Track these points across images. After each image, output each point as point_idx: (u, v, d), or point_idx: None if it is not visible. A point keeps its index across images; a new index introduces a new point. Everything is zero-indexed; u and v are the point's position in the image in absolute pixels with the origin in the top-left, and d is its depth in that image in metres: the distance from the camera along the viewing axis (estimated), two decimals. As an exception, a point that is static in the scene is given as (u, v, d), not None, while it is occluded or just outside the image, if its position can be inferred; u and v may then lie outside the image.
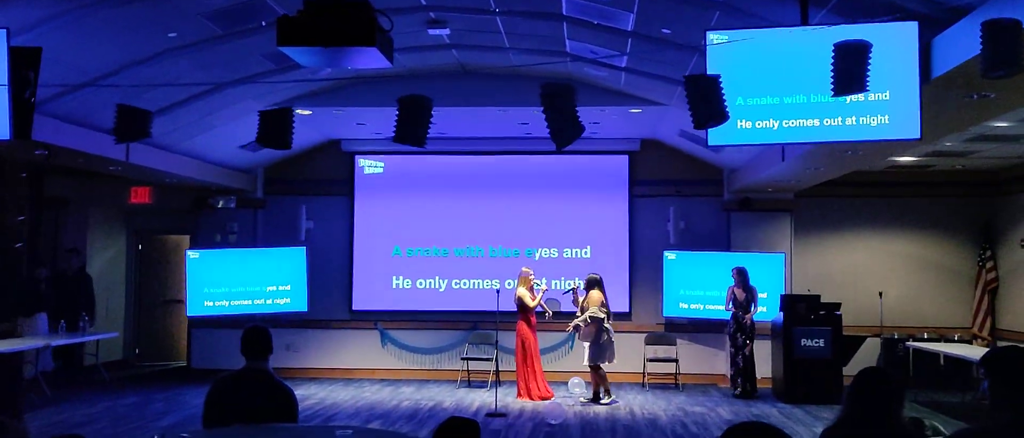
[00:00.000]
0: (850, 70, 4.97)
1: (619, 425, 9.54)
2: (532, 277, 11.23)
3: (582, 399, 11.03)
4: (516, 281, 11.29)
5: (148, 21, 7.39)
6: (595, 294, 10.84)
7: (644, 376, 12.26)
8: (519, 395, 11.05)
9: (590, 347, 10.84)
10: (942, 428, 6.21)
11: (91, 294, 12.44)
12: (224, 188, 12.69)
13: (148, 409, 10.37)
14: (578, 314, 11.01)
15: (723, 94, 5.43)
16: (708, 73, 5.65)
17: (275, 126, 6.60)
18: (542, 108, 6.07)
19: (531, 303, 11.02)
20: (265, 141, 6.65)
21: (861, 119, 5.74)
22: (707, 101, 5.39)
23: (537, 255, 12.91)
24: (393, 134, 6.34)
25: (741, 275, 11.33)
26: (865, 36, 5.19)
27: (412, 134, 6.19)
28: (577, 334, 11.10)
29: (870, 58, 4.98)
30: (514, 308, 11.25)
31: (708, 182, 12.79)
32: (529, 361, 11.03)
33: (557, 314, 11.56)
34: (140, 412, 10.17)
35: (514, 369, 11.35)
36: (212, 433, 4.60)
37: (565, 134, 5.92)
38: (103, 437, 4.83)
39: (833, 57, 5.10)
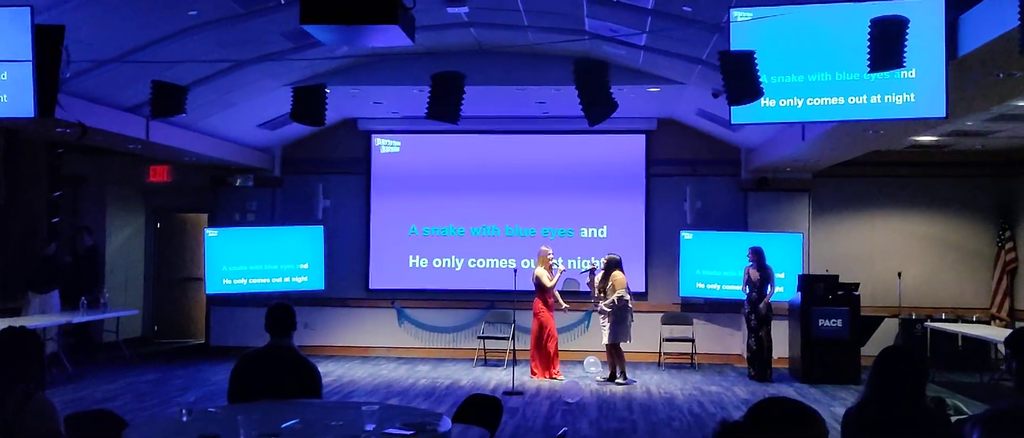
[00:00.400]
0: (887, 46, 4.93)
1: (635, 403, 9.56)
2: (551, 256, 11.21)
3: (598, 378, 11.06)
4: (535, 260, 11.29)
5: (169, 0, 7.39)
6: (619, 275, 10.82)
7: (660, 356, 12.28)
8: (532, 374, 11.08)
9: (612, 326, 10.81)
10: (964, 407, 6.22)
11: (99, 272, 12.50)
12: (242, 167, 12.73)
13: (169, 385, 10.47)
14: (595, 294, 10.99)
15: (758, 70, 5.40)
16: (739, 49, 5.61)
17: (308, 102, 6.62)
18: (575, 84, 6.05)
19: (548, 283, 11.03)
20: (299, 117, 6.67)
21: (886, 97, 5.70)
22: (742, 77, 5.36)
23: (553, 235, 12.91)
24: (426, 111, 6.33)
25: (757, 255, 11.19)
26: (892, 13, 5.14)
27: (445, 111, 6.20)
28: (602, 317, 10.98)
29: (908, 33, 4.93)
30: (531, 287, 11.25)
31: (725, 162, 12.74)
32: (545, 341, 11.04)
33: (575, 293, 11.58)
34: (161, 388, 10.26)
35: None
36: (238, 408, 4.64)
37: (598, 110, 5.91)
38: (127, 412, 4.88)
39: (869, 32, 5.05)
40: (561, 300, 11.29)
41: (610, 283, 10.85)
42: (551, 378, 10.97)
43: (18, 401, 3.55)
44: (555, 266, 11.29)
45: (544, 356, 11.07)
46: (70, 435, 4.43)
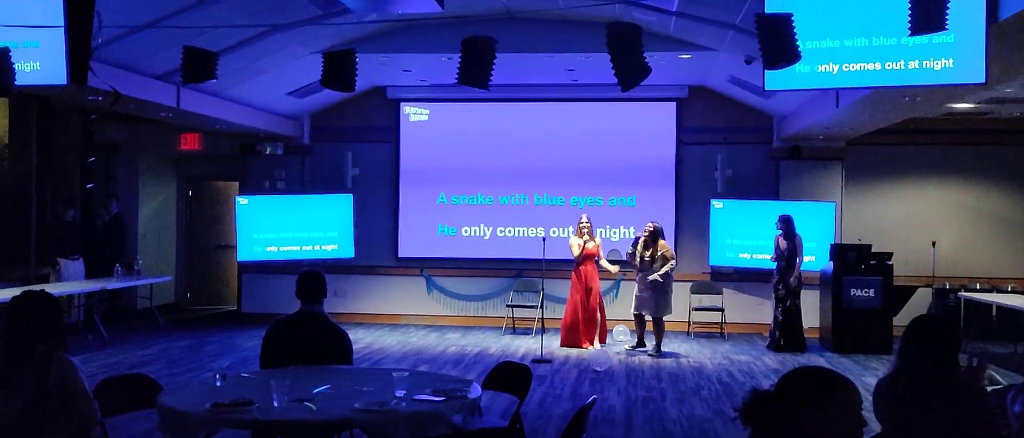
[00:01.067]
0: (929, 7, 4.81)
1: (664, 373, 9.55)
2: (585, 224, 11.05)
3: (627, 346, 10.98)
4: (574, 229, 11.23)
5: (198, -34, 7.39)
6: (666, 245, 10.74)
7: (689, 325, 12.24)
8: (561, 343, 11.07)
9: (660, 298, 10.61)
10: (999, 377, 6.14)
11: (124, 240, 12.61)
12: (271, 134, 12.78)
13: (202, 351, 10.60)
14: (638, 264, 10.83)
15: (796, 33, 5.30)
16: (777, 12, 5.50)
17: (339, 68, 6.61)
18: (607, 49, 5.97)
19: (574, 253, 10.95)
20: (329, 83, 6.66)
21: (924, 63, 5.58)
22: (779, 41, 5.26)
23: (582, 203, 12.86)
24: (456, 77, 6.29)
25: (786, 223, 10.94)
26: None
27: (476, 76, 6.16)
28: (643, 288, 10.84)
29: (950, -4, 4.83)
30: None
31: (757, 130, 12.60)
32: (576, 310, 10.99)
33: (618, 262, 11.54)
34: (194, 354, 10.40)
35: (560, 317, 11.39)
36: (270, 373, 4.68)
37: (631, 76, 5.83)
38: (161, 378, 4.95)
39: (911, -6, 4.95)
40: (609, 266, 11.26)
41: (659, 253, 10.70)
42: (591, 345, 10.90)
43: (40, 361, 3.69)
44: (594, 235, 11.14)
45: (584, 324, 10.99)
46: (106, 398, 4.52)
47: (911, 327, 3.59)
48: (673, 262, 10.70)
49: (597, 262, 11.14)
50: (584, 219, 11.09)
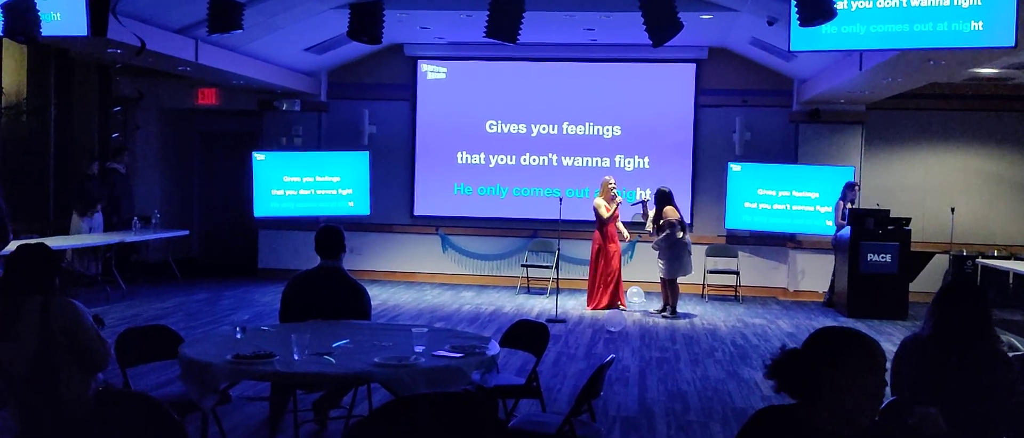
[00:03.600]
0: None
1: (678, 335, 9.57)
2: (612, 185, 10.95)
3: (657, 311, 10.90)
4: (598, 189, 11.11)
5: (217, -82, 7.31)
6: (671, 210, 10.65)
7: (704, 287, 12.23)
8: (588, 305, 11.03)
9: (667, 262, 10.61)
10: (1018, 344, 6.13)
11: (126, 192, 12.54)
12: (289, 91, 12.75)
13: (218, 305, 10.68)
14: (649, 227, 10.84)
15: (831, -11, 5.24)
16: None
17: (366, 19, 6.58)
18: (639, 3, 5.91)
19: (605, 214, 10.81)
20: (356, 34, 6.63)
21: (953, 25, 5.50)
22: (815, -2, 5.21)
23: (597, 163, 12.82)
24: (484, 30, 6.25)
25: (853, 190, 11.33)
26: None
27: (505, 29, 6.11)
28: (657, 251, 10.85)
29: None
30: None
31: (777, 92, 12.49)
32: (601, 271, 10.92)
33: (633, 224, 11.48)
34: (211, 308, 10.48)
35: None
36: (289, 327, 4.71)
37: (663, 31, 5.78)
38: (179, 330, 5.00)
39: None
40: (624, 231, 11.08)
41: (663, 218, 10.70)
42: (618, 306, 10.85)
43: (40, 307, 3.83)
44: (623, 198, 11.07)
45: (600, 285, 10.96)
46: (128, 349, 4.58)
47: (945, 291, 3.58)
48: (668, 231, 10.60)
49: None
50: (611, 181, 11.00)
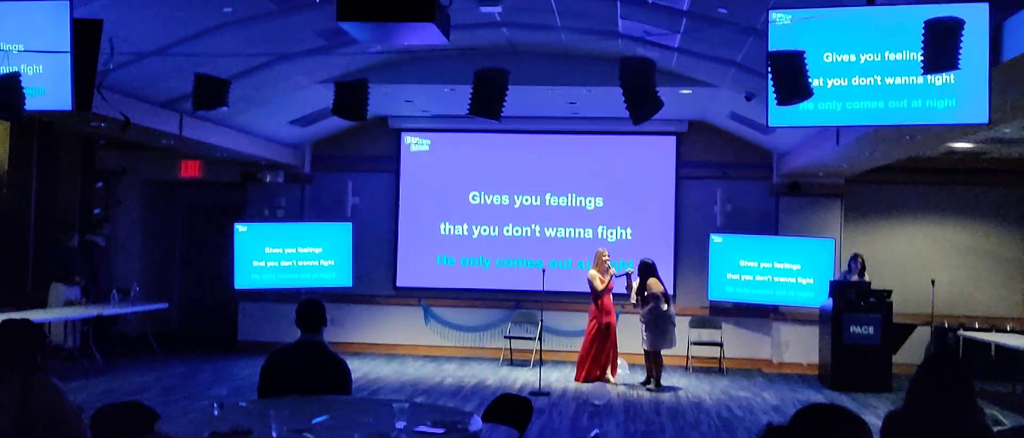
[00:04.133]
0: (942, 47, 4.85)
1: (663, 407, 9.50)
2: (606, 258, 10.93)
3: (641, 384, 10.81)
4: (591, 261, 11.09)
5: (205, -5, 7.43)
6: (655, 282, 10.66)
7: (688, 359, 12.19)
8: (577, 378, 10.89)
9: (650, 334, 10.61)
10: (1002, 417, 6.12)
11: (105, 264, 12.44)
12: (272, 163, 12.79)
13: (197, 380, 10.54)
14: (633, 299, 10.83)
15: (808, 70, 5.34)
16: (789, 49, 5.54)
17: (351, 97, 6.65)
18: (620, 83, 6.01)
19: (599, 286, 10.75)
20: (341, 112, 6.70)
21: (927, 102, 5.61)
22: (791, 77, 5.30)
23: (581, 235, 12.87)
24: (466, 108, 6.34)
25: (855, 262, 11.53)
26: (934, 17, 5.06)
27: (487, 107, 6.20)
28: (642, 326, 10.82)
29: (963, 35, 4.85)
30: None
31: (757, 165, 12.64)
32: (593, 344, 10.78)
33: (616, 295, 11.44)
34: (190, 382, 10.33)
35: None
36: (269, 403, 4.64)
37: (643, 109, 5.87)
38: (156, 406, 4.91)
39: (923, 34, 4.97)
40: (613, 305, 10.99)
41: (647, 290, 10.70)
42: (611, 380, 10.74)
43: (20, 386, 3.76)
44: (617, 268, 11.08)
45: (592, 357, 10.82)
46: (103, 426, 4.49)
47: (928, 364, 3.58)
48: (653, 303, 10.59)
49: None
50: (605, 253, 10.99)
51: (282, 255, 12.47)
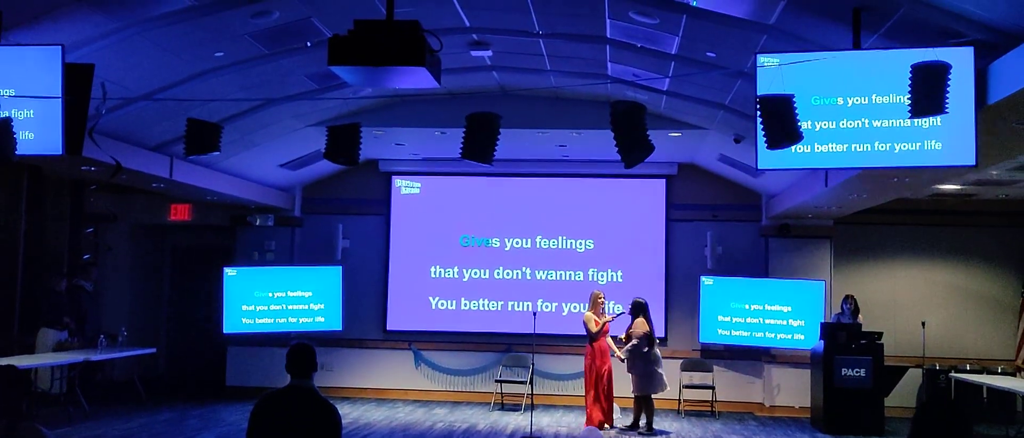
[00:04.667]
0: (929, 91, 4.91)
1: (656, 452, 9.42)
2: (602, 300, 10.78)
3: (620, 425, 10.78)
4: (586, 304, 10.98)
5: (197, 41, 7.47)
6: (640, 322, 10.61)
7: (680, 403, 12.12)
8: (587, 421, 10.66)
9: (636, 377, 10.54)
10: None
11: (92, 309, 12.34)
12: (262, 206, 12.77)
13: (185, 425, 10.41)
14: (624, 340, 10.76)
15: (797, 114, 5.38)
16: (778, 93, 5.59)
17: (343, 141, 6.67)
18: (611, 127, 6.04)
19: (594, 328, 10.58)
20: (333, 156, 6.71)
21: (915, 145, 5.65)
22: (781, 121, 5.35)
23: (570, 277, 12.85)
24: (459, 151, 6.38)
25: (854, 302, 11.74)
26: (920, 61, 5.12)
27: (479, 151, 6.23)
28: (624, 363, 10.75)
29: (949, 79, 4.91)
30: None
31: (746, 207, 12.69)
32: (592, 386, 10.57)
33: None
34: (177, 428, 10.20)
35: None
36: (258, 450, 4.58)
37: (634, 153, 5.90)
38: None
39: (910, 78, 5.03)
40: (615, 346, 10.75)
41: (629, 329, 10.66)
42: (610, 425, 10.59)
43: (4, 432, 3.73)
44: (608, 310, 10.99)
45: (593, 401, 10.60)
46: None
47: (925, 408, 3.55)
48: (635, 341, 10.50)
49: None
50: (600, 295, 10.86)
51: (271, 299, 12.40)
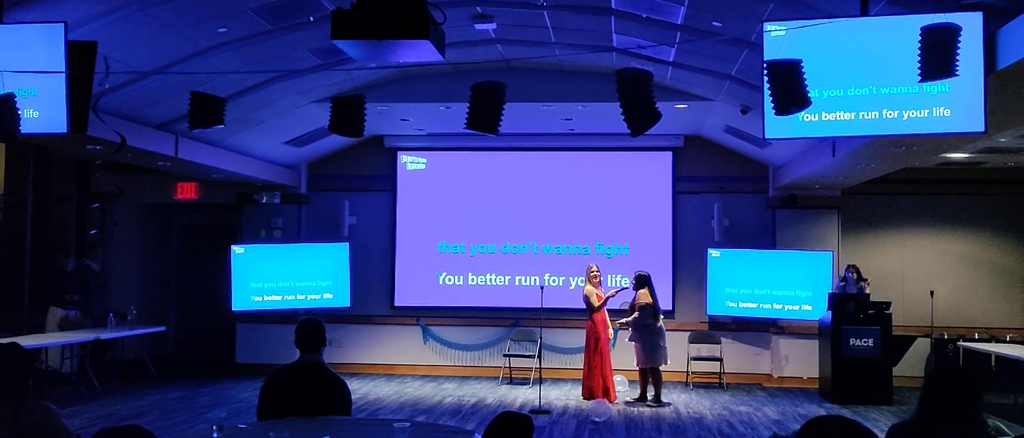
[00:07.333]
0: (939, 54, 4.86)
1: (664, 424, 9.45)
2: (595, 272, 10.78)
3: (628, 398, 10.83)
4: (584, 279, 10.96)
5: (199, 16, 7.43)
6: (643, 293, 10.62)
7: (688, 375, 12.14)
8: (583, 395, 10.77)
9: (639, 350, 10.58)
10: (1004, 428, 6.09)
11: (100, 288, 12.39)
12: (268, 184, 12.77)
13: (195, 402, 10.47)
14: (628, 311, 10.79)
15: (805, 79, 5.34)
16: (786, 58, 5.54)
17: (347, 113, 6.64)
18: (618, 95, 6.00)
19: (595, 303, 10.61)
20: (338, 128, 6.69)
21: (923, 112, 5.61)
22: (789, 87, 5.30)
23: (577, 251, 12.85)
24: (464, 122, 6.35)
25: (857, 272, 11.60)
26: (931, 23, 5.07)
27: (485, 121, 6.19)
28: (628, 336, 10.79)
29: (960, 41, 4.86)
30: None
31: (753, 179, 12.64)
32: (596, 360, 10.60)
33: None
34: (188, 405, 10.26)
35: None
36: (268, 424, 4.60)
37: (641, 122, 5.86)
38: (155, 429, 4.86)
39: (920, 41, 4.98)
40: (608, 321, 10.78)
41: (635, 301, 10.67)
42: (611, 400, 10.54)
43: (10, 411, 3.72)
44: (614, 283, 11.01)
45: (596, 374, 10.58)
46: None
47: (934, 377, 3.54)
48: (638, 314, 10.53)
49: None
50: (594, 268, 10.89)
51: (280, 276, 12.43)
